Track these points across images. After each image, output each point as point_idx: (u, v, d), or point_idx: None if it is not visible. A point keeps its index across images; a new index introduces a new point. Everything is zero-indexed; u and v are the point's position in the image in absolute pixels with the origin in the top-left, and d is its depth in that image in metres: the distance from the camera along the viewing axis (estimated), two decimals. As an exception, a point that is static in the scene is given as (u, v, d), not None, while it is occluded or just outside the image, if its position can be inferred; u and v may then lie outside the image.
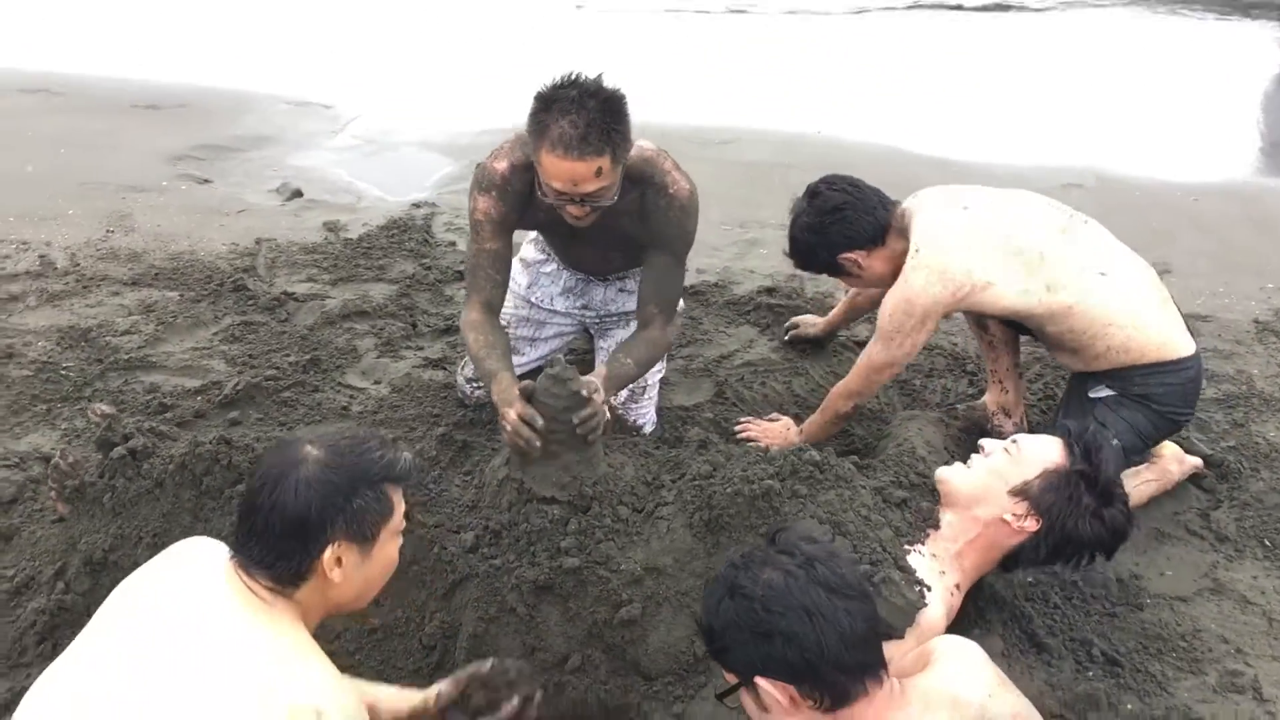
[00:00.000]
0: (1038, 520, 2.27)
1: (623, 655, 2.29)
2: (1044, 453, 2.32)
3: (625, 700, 2.28)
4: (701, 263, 4.53)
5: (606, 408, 2.70)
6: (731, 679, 1.78)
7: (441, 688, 2.12)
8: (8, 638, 2.49)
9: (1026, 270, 2.90)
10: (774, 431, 3.28)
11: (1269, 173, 6.12)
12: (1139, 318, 2.95)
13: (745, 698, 1.77)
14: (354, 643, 2.38)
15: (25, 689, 1.68)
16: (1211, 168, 5.97)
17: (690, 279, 4.16)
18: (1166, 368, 2.96)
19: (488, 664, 2.14)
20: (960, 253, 2.91)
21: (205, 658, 1.59)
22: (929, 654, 1.91)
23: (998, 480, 2.32)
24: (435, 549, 2.41)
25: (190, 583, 1.71)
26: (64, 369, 3.59)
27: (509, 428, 2.45)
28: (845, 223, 3.07)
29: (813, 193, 3.14)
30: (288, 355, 3.71)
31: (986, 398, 3.39)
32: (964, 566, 2.35)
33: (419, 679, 2.37)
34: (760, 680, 1.70)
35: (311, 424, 3.36)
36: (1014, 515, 2.28)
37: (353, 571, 1.76)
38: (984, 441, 2.44)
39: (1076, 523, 2.25)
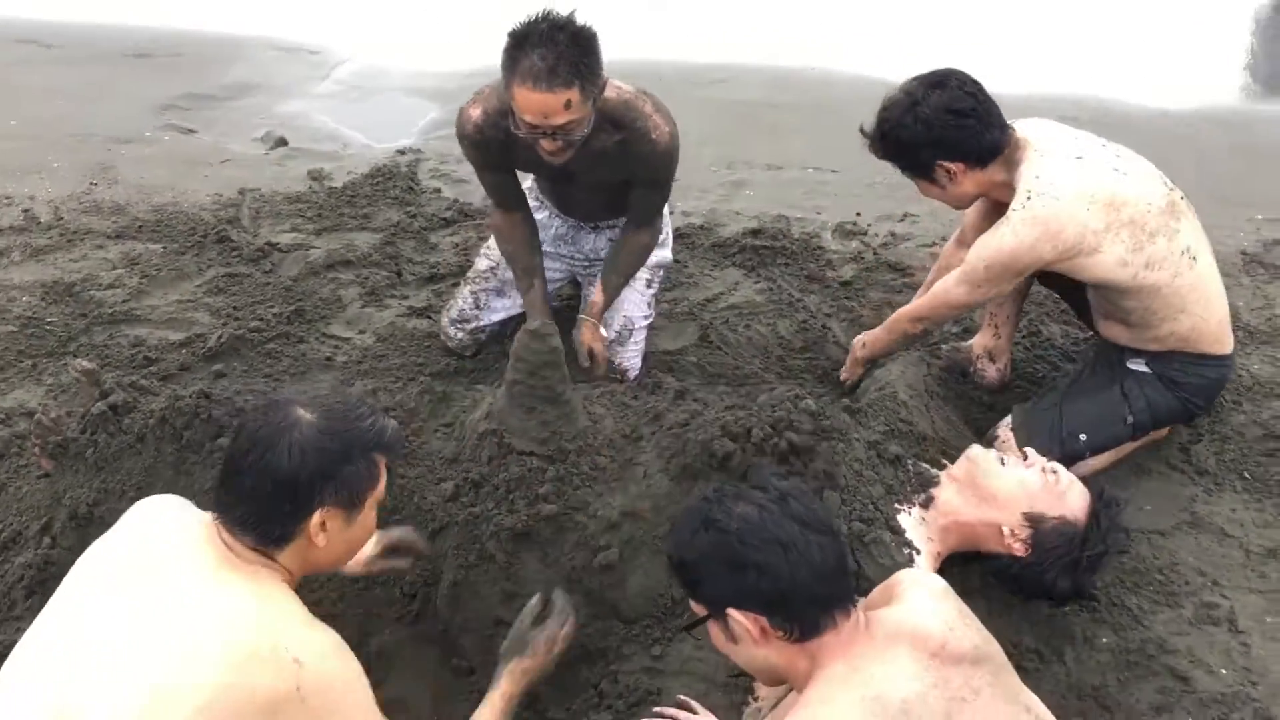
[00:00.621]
0: (1027, 550, 2.31)
1: (602, 599, 2.32)
2: (1074, 501, 2.34)
3: (605, 643, 2.31)
4: (688, 205, 4.50)
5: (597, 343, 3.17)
6: (700, 611, 1.80)
7: None
8: (-3, 592, 2.52)
9: (1134, 244, 2.72)
10: (851, 361, 3.26)
11: (1262, 99, 6.06)
12: (1207, 308, 2.86)
13: (714, 630, 1.80)
14: (336, 591, 2.41)
15: (14, 642, 1.71)
16: (1205, 94, 5.89)
17: (676, 221, 4.14)
18: (1209, 361, 2.92)
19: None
20: (1076, 214, 2.68)
21: (190, 617, 1.61)
22: (895, 587, 1.94)
23: (1023, 495, 2.34)
24: (415, 498, 2.43)
25: (170, 545, 1.72)
26: (48, 324, 3.59)
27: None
28: (965, 130, 2.77)
29: (937, 83, 2.79)
30: (272, 306, 3.71)
31: (975, 340, 3.34)
32: (947, 542, 2.40)
33: (401, 627, 2.41)
34: (732, 611, 1.72)
35: (296, 375, 3.37)
36: (1012, 532, 2.31)
37: (336, 536, 1.77)
38: (1029, 450, 2.46)
39: (1056, 574, 2.30)
